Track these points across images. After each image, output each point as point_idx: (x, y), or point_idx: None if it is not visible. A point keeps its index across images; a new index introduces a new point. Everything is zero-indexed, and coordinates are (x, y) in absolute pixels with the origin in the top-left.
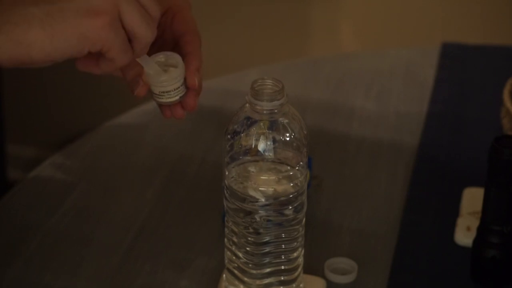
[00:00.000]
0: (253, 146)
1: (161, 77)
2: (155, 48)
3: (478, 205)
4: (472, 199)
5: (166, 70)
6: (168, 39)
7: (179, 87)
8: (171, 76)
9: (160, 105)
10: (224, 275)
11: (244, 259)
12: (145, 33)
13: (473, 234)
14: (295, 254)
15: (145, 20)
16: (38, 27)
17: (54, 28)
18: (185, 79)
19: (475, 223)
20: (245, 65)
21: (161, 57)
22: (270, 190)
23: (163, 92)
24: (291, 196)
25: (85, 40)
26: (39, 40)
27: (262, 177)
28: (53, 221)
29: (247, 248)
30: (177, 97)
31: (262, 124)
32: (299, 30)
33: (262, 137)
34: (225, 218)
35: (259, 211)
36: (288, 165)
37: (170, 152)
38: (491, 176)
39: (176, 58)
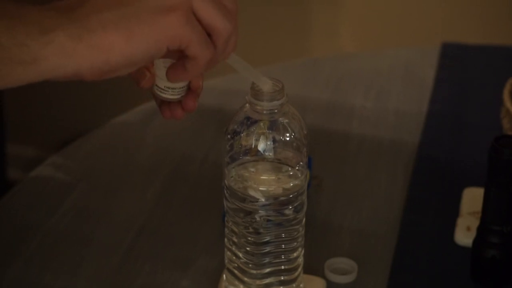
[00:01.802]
0: (253, 146)
1: None
2: None
3: (478, 205)
4: (472, 199)
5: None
6: None
7: (183, 87)
8: None
9: (160, 104)
10: (224, 275)
11: (244, 259)
12: (222, 26)
13: (473, 234)
14: (295, 254)
15: (221, 12)
16: (113, 30)
17: (129, 29)
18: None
19: (475, 223)
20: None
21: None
22: (270, 190)
23: (168, 87)
24: (291, 196)
25: (161, 37)
26: (116, 43)
27: (262, 177)
28: (53, 221)
29: (247, 248)
30: (179, 96)
31: (262, 124)
32: (299, 30)
33: (262, 137)
34: (225, 218)
35: (259, 211)
36: (288, 165)
37: (170, 151)
38: (491, 176)
39: None
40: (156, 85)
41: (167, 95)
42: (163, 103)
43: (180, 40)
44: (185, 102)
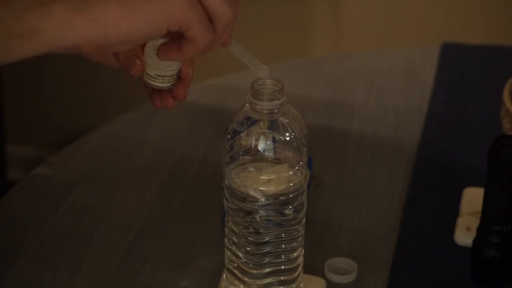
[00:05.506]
0: (253, 146)
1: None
2: None
3: (478, 205)
4: (472, 199)
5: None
6: None
7: (174, 75)
8: (172, 61)
9: (151, 94)
10: (224, 275)
11: (244, 259)
12: (224, 10)
13: (473, 234)
14: (295, 254)
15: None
16: (114, 5)
17: (130, 6)
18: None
19: (475, 223)
20: (245, 65)
21: (162, 41)
22: (270, 190)
23: (159, 75)
24: (291, 196)
25: (162, 17)
26: (116, 19)
27: (262, 177)
28: (53, 221)
29: (247, 248)
30: (169, 84)
31: (262, 124)
32: (299, 30)
33: (262, 136)
34: (225, 218)
35: (259, 211)
36: (288, 164)
37: (170, 152)
38: (491, 176)
39: None
40: (147, 73)
41: (157, 83)
42: (154, 93)
43: (181, 22)
44: (175, 91)
